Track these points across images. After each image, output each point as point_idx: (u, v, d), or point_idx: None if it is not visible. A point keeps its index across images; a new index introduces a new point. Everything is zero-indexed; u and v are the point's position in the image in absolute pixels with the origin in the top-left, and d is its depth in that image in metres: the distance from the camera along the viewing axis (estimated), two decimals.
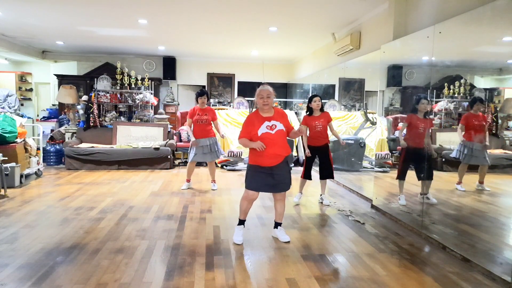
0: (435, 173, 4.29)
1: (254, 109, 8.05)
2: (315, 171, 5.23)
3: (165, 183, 6.24)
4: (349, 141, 7.28)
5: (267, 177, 3.42)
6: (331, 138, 7.68)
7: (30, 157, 6.35)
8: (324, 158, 4.94)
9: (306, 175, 4.98)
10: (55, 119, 10.15)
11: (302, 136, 5.04)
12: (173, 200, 5.11)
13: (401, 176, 4.55)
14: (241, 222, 3.62)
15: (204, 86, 11.60)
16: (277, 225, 3.69)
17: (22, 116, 7.65)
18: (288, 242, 3.56)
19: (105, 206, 4.72)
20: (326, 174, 4.96)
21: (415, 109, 4.31)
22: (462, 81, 4.35)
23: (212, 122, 5.70)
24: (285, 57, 10.70)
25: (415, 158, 4.33)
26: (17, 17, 6.74)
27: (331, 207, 4.92)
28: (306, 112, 5.00)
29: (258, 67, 11.37)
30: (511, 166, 4.04)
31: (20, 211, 4.42)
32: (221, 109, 9.02)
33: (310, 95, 5.14)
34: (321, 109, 4.93)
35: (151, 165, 7.52)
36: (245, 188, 3.52)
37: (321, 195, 5.14)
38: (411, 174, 4.43)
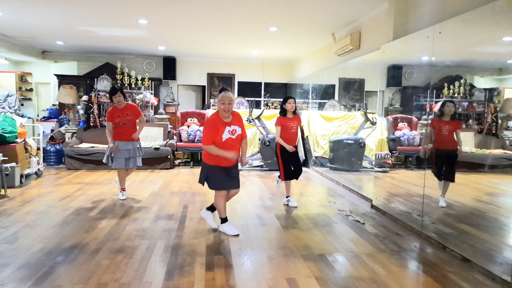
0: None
1: (253, 110, 8.04)
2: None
3: (165, 183, 6.24)
4: (349, 141, 7.30)
5: (227, 175, 3.71)
6: (332, 138, 7.76)
7: (30, 157, 6.35)
8: (297, 159, 4.92)
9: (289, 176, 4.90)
10: (55, 119, 10.15)
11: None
12: (173, 200, 5.11)
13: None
14: (224, 220, 3.84)
15: (204, 86, 11.62)
16: (225, 220, 3.85)
17: (22, 116, 7.65)
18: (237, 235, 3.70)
19: (105, 206, 4.72)
20: (299, 173, 4.94)
21: (442, 113, 4.06)
22: (462, 81, 4.34)
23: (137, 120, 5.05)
24: (285, 57, 10.70)
25: (445, 160, 4.14)
26: (17, 17, 6.74)
27: (331, 207, 4.93)
28: (280, 112, 4.92)
29: (258, 67, 11.38)
30: (511, 166, 4.04)
31: (20, 211, 4.42)
32: None
33: (286, 96, 5.08)
34: (294, 111, 4.90)
35: (151, 165, 7.51)
36: (214, 190, 3.75)
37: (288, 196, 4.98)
38: (413, 175, 4.42)
